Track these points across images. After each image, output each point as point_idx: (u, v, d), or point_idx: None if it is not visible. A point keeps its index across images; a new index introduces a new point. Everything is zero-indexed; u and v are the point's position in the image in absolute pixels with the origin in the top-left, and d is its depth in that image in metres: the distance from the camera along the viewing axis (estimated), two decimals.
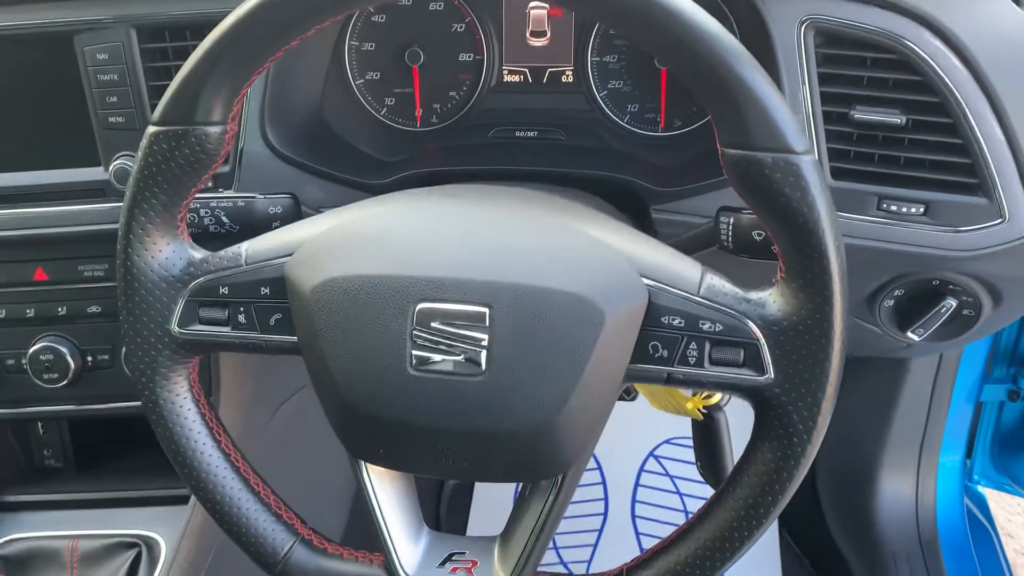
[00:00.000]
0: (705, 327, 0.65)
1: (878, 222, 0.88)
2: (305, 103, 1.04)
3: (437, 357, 0.65)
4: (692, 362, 0.66)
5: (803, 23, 0.87)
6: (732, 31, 0.98)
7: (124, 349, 0.74)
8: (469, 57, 1.08)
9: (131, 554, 1.14)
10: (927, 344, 0.98)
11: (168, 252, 0.72)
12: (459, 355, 0.65)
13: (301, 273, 0.69)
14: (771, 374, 0.65)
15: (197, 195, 0.73)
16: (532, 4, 1.04)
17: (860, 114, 0.86)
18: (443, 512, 1.88)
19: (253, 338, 0.72)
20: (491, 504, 1.88)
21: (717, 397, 0.97)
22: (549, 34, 1.06)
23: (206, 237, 0.91)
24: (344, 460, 0.74)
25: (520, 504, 0.75)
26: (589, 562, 1.81)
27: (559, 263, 0.66)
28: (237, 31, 0.65)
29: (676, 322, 0.66)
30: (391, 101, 1.10)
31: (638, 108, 1.07)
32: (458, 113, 1.10)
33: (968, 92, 0.84)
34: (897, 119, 0.86)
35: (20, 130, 1.03)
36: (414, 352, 0.65)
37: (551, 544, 0.72)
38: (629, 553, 1.79)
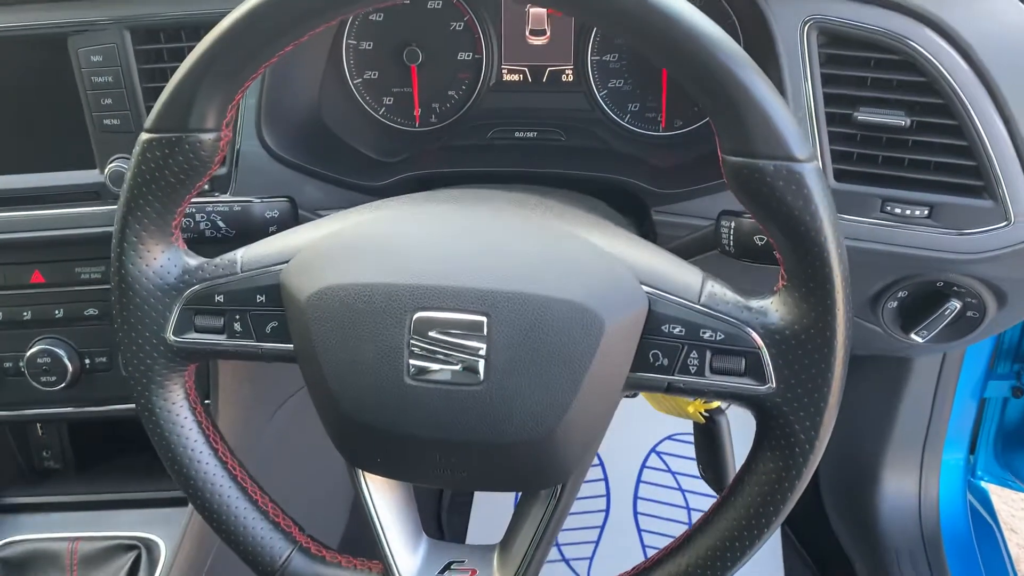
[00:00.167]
0: (706, 336, 0.64)
1: (882, 225, 0.87)
2: (302, 104, 1.03)
3: (435, 366, 0.64)
4: (693, 371, 0.65)
5: (806, 23, 0.86)
6: (735, 32, 0.98)
7: (120, 357, 0.73)
8: (468, 56, 1.07)
9: (131, 556, 1.14)
10: (930, 345, 0.97)
11: (163, 260, 0.72)
12: (457, 364, 0.64)
13: (297, 281, 0.68)
14: (773, 383, 0.64)
15: (193, 200, 0.72)
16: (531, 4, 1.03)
17: (864, 116, 0.85)
18: (444, 518, 1.88)
19: (249, 346, 0.72)
20: (492, 510, 1.88)
21: (719, 401, 0.96)
22: (549, 33, 1.05)
23: (202, 242, 0.90)
24: (343, 462, 0.74)
25: (519, 512, 0.74)
26: (591, 559, 1.81)
27: (558, 271, 0.65)
28: (230, 37, 0.64)
29: (677, 330, 0.65)
30: (389, 101, 1.09)
31: (639, 107, 1.06)
32: (457, 112, 1.09)
33: (973, 93, 0.83)
34: (901, 121, 0.84)
35: (15, 132, 1.02)
36: (411, 362, 0.64)
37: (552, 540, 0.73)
38: (631, 549, 1.80)
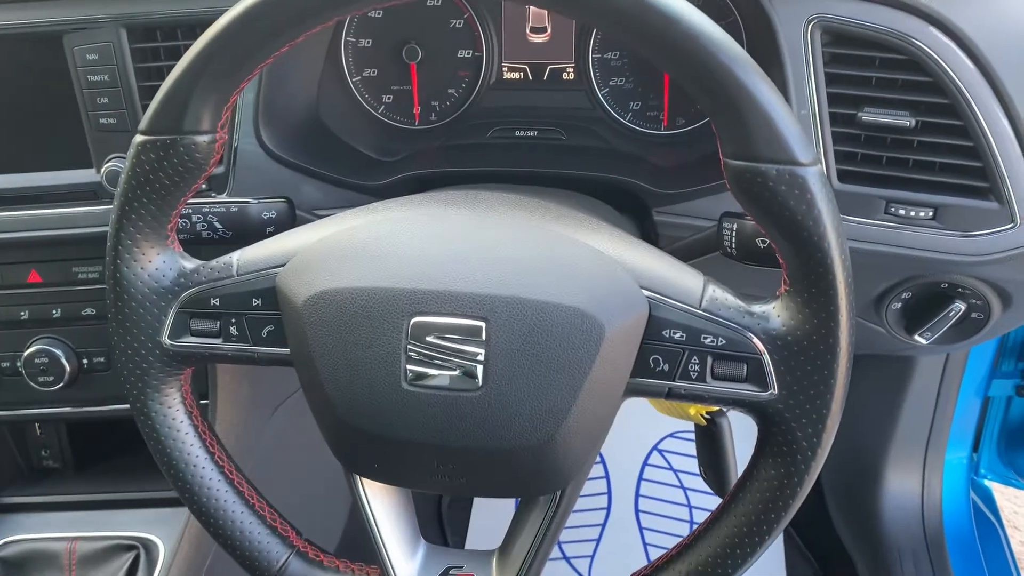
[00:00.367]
0: (707, 341, 0.63)
1: (886, 226, 0.87)
2: (301, 102, 1.02)
3: (432, 372, 0.63)
4: (694, 376, 0.64)
5: (810, 22, 0.85)
6: (737, 30, 0.97)
7: (115, 361, 0.72)
8: (468, 54, 1.06)
9: (129, 556, 1.14)
10: (934, 347, 0.96)
11: (158, 263, 0.71)
12: (455, 370, 0.63)
13: (294, 284, 0.67)
14: (775, 390, 0.63)
15: (189, 200, 0.71)
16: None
17: (868, 116, 0.84)
18: (444, 521, 1.87)
19: (245, 350, 0.71)
20: (491, 515, 1.88)
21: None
22: (550, 30, 1.04)
23: (199, 243, 0.89)
24: None
25: (519, 518, 0.74)
26: (592, 556, 1.80)
27: (557, 275, 0.64)
28: (225, 37, 0.63)
29: (677, 336, 0.64)
30: (389, 99, 1.08)
31: (640, 106, 1.05)
32: (457, 111, 1.08)
33: (978, 92, 0.82)
34: (906, 121, 0.83)
35: (11, 132, 1.02)
36: (409, 367, 0.64)
37: None
38: (632, 547, 1.80)
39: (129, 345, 0.72)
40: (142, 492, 1.19)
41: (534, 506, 0.72)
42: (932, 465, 1.55)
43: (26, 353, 1.07)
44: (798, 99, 0.86)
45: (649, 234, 0.95)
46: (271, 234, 0.77)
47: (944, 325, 0.92)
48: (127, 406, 0.75)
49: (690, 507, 1.85)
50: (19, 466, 1.26)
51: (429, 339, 0.63)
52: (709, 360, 0.64)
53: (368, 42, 1.06)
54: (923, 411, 1.50)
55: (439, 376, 0.63)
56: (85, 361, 1.09)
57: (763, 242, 0.78)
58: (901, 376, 1.47)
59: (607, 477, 1.91)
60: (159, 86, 0.66)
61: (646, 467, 1.92)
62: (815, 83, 0.86)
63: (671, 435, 1.95)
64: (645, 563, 0.73)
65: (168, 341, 0.71)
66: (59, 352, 1.07)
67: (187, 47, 0.65)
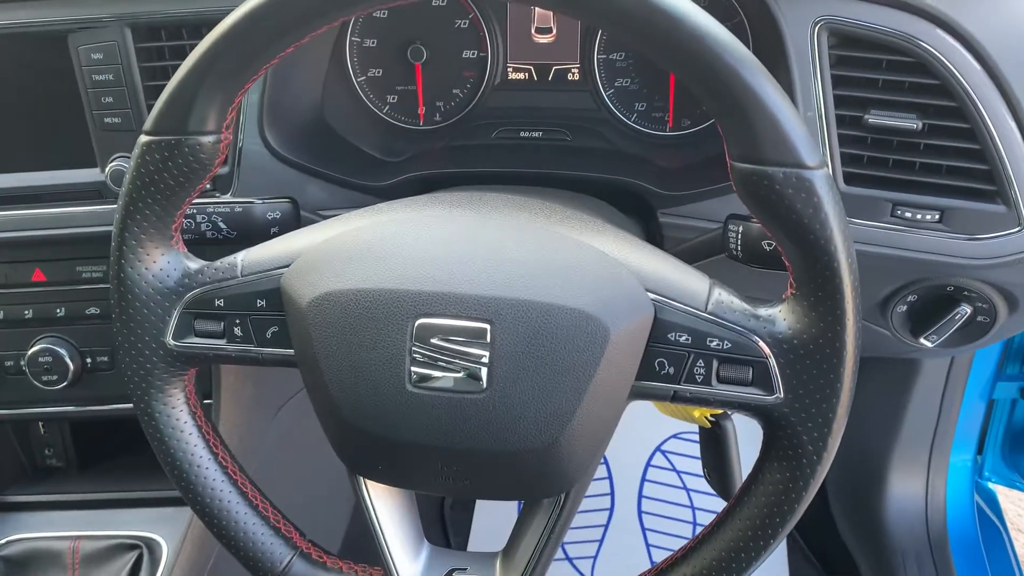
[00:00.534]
0: (713, 344, 0.63)
1: (892, 229, 0.86)
2: (305, 102, 1.02)
3: (437, 374, 0.63)
4: (699, 380, 0.64)
5: (816, 23, 0.85)
6: (743, 32, 0.97)
7: (119, 361, 0.72)
8: (473, 54, 1.05)
9: (132, 555, 1.14)
10: (940, 350, 0.96)
11: (163, 263, 0.71)
12: (459, 372, 0.63)
13: (298, 286, 0.67)
14: (780, 394, 0.63)
15: (194, 201, 0.71)
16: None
17: (874, 118, 0.84)
18: (447, 523, 1.87)
19: (249, 351, 0.71)
20: (494, 516, 1.87)
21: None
22: (555, 31, 1.04)
23: (203, 243, 0.89)
24: None
25: (522, 520, 0.73)
26: (594, 557, 1.80)
27: (562, 277, 0.64)
28: (230, 38, 0.63)
29: (683, 339, 0.64)
30: (393, 99, 1.08)
31: (646, 107, 1.05)
32: (462, 111, 1.07)
33: (986, 95, 0.82)
34: (913, 124, 0.83)
35: (16, 131, 1.02)
36: (413, 369, 0.63)
37: None
38: (635, 548, 1.80)
39: (133, 345, 0.71)
40: (145, 491, 1.19)
41: (538, 509, 0.72)
42: (936, 468, 1.54)
43: (30, 352, 1.07)
44: (804, 101, 0.86)
45: (654, 236, 0.95)
46: (275, 235, 0.77)
47: (950, 328, 0.92)
48: (131, 405, 0.75)
49: (693, 508, 1.84)
50: (22, 465, 1.26)
51: (434, 341, 0.63)
52: (715, 363, 0.64)
53: (373, 42, 1.06)
54: (927, 414, 1.50)
55: (443, 378, 0.63)
56: (89, 360, 1.09)
57: (769, 245, 0.78)
58: (906, 379, 1.46)
59: (610, 478, 1.91)
60: (164, 86, 0.66)
61: (649, 468, 1.91)
62: (821, 85, 0.85)
63: (674, 436, 1.95)
64: (648, 564, 0.73)
65: (172, 341, 0.71)
66: (63, 351, 1.07)
67: (192, 47, 0.65)
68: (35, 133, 1.02)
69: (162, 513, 1.17)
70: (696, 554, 0.69)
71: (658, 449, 1.94)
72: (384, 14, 1.05)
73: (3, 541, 1.16)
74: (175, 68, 0.66)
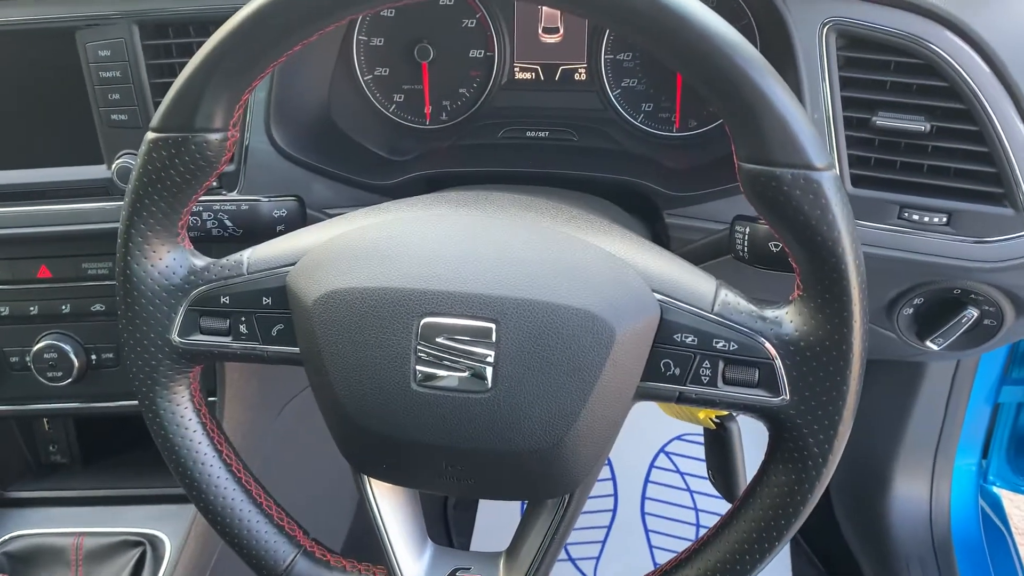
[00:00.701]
0: (719, 345, 0.63)
1: (899, 231, 0.86)
2: (312, 101, 1.02)
3: (442, 373, 0.63)
4: (705, 381, 0.64)
5: (825, 25, 0.84)
6: (751, 33, 0.97)
7: (124, 357, 0.72)
8: (480, 54, 1.05)
9: (136, 552, 1.14)
10: (946, 353, 0.95)
11: (168, 260, 0.71)
12: (464, 371, 0.63)
13: (304, 284, 0.67)
14: (786, 396, 0.63)
15: (200, 198, 0.71)
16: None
17: (882, 120, 0.83)
18: (450, 522, 1.87)
19: (254, 349, 0.71)
20: (497, 516, 1.87)
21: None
22: (562, 31, 1.04)
23: (209, 241, 0.89)
24: None
25: (526, 521, 0.73)
26: (597, 559, 1.80)
27: (568, 277, 0.64)
28: (238, 36, 0.63)
29: (689, 340, 0.63)
30: (400, 98, 1.08)
31: (652, 107, 1.05)
32: (468, 110, 1.07)
33: (994, 97, 0.82)
34: (921, 126, 0.83)
35: (22, 127, 1.02)
36: (418, 367, 0.63)
37: None
38: (638, 549, 1.79)
39: (139, 342, 0.72)
40: (149, 488, 1.19)
41: (542, 509, 0.72)
42: (941, 471, 1.54)
43: (35, 348, 1.07)
44: (812, 103, 0.85)
45: (660, 237, 0.94)
46: (281, 232, 0.77)
47: (956, 331, 0.92)
48: (135, 402, 0.75)
49: (696, 510, 1.84)
50: (27, 461, 1.26)
51: (439, 340, 0.63)
52: (721, 365, 0.63)
53: (380, 41, 1.06)
54: (933, 417, 1.49)
55: (448, 377, 0.63)
56: (94, 357, 1.09)
57: (776, 246, 0.78)
58: (911, 382, 1.46)
59: (613, 479, 1.91)
60: (171, 83, 0.66)
61: (653, 469, 1.91)
62: (829, 87, 0.85)
63: (678, 437, 1.95)
64: (651, 565, 0.73)
65: (177, 339, 0.71)
66: (68, 347, 1.07)
67: (199, 44, 0.65)
68: (42, 130, 1.02)
69: (165, 510, 1.17)
70: (700, 556, 0.69)
71: (662, 450, 1.94)
72: (391, 13, 1.05)
73: (7, 537, 1.16)
74: (182, 65, 0.66)
